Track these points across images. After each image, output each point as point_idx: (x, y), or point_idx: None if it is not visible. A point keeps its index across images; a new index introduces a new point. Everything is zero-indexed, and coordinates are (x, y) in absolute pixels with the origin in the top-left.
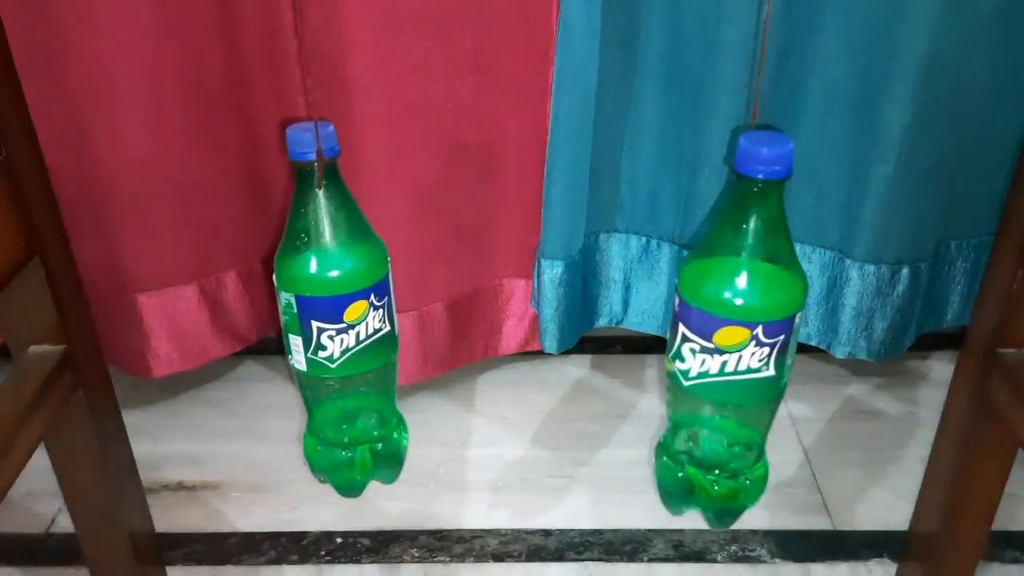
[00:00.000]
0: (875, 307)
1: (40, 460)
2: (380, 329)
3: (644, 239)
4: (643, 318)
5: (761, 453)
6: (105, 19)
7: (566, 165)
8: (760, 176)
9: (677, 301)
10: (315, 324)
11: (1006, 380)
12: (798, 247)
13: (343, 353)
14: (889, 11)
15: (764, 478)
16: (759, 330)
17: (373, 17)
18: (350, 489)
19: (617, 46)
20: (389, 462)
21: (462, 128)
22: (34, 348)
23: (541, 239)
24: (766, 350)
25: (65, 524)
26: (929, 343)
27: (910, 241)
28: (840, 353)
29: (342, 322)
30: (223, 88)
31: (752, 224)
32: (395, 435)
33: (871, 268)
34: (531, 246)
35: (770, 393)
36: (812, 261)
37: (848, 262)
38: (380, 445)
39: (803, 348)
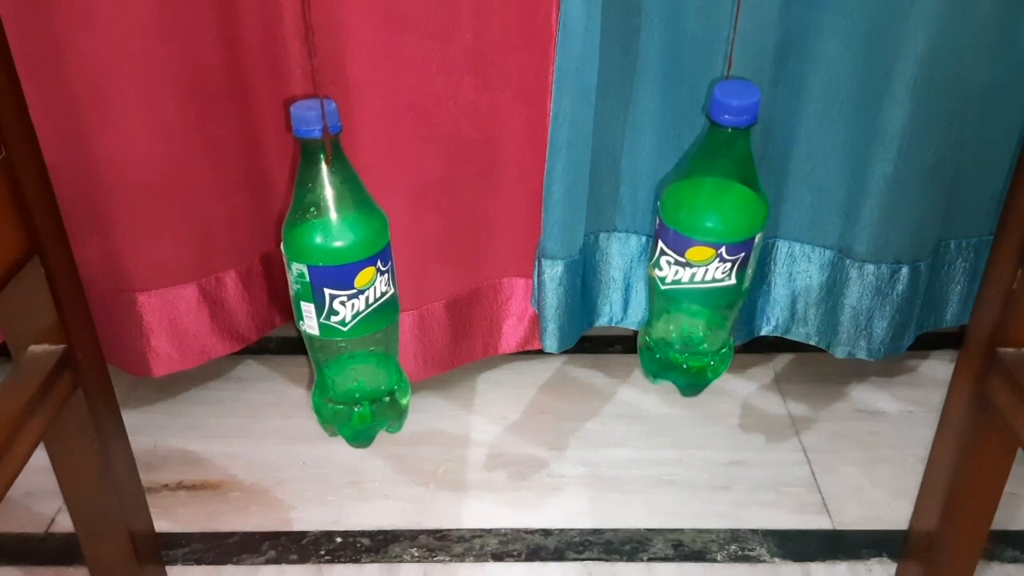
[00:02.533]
0: (875, 307)
1: (40, 460)
2: (386, 292)
3: (644, 238)
4: (643, 317)
5: (727, 338)
6: (105, 19)
7: (566, 164)
8: (729, 124)
9: (658, 220)
10: (327, 291)
11: (1006, 380)
12: (798, 247)
13: (354, 317)
14: (889, 11)
15: (727, 356)
16: (723, 249)
17: (373, 16)
18: (362, 439)
19: (617, 45)
20: (396, 412)
21: (462, 127)
22: (34, 348)
23: (541, 238)
24: (728, 265)
25: (65, 524)
26: (929, 343)
27: (910, 241)
28: (840, 353)
29: (352, 288)
30: (222, 87)
31: (723, 162)
32: (401, 386)
33: (871, 268)
34: (531, 245)
35: (732, 297)
36: (812, 260)
37: (848, 261)
38: (387, 398)
39: (803, 347)
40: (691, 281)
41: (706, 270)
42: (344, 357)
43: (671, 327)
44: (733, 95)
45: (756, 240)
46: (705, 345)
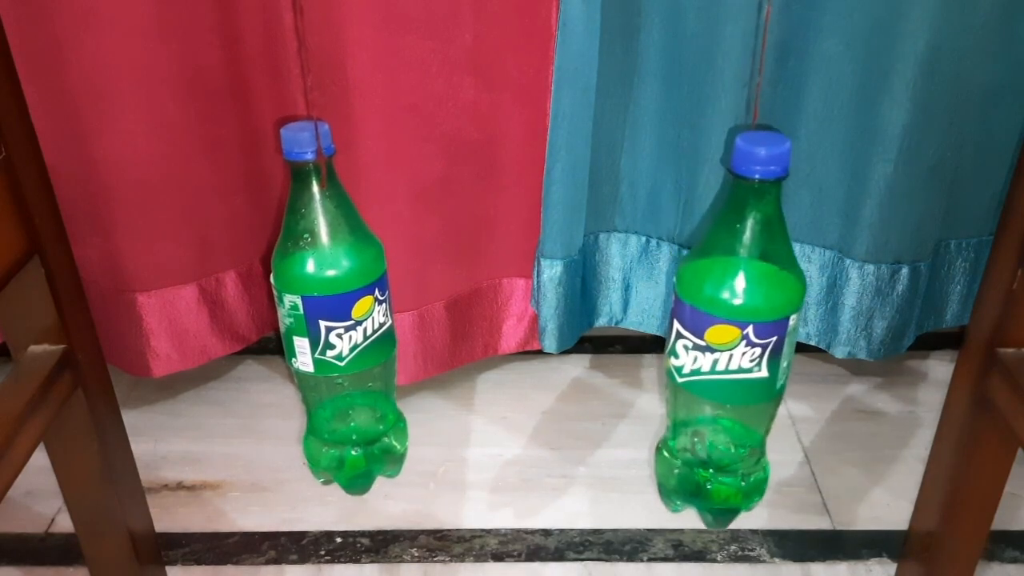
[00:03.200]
0: (875, 307)
1: (40, 460)
2: (384, 323)
3: (644, 239)
4: (643, 318)
5: (760, 455)
6: (104, 19)
7: (566, 164)
8: (756, 176)
9: (674, 298)
10: (323, 324)
11: (1006, 380)
12: (797, 247)
13: (352, 350)
14: (889, 11)
15: (763, 481)
16: (750, 330)
17: (373, 16)
18: (358, 487)
19: (617, 45)
20: (394, 456)
21: (462, 127)
22: (34, 348)
23: (541, 238)
24: (757, 350)
25: (65, 524)
26: (929, 343)
27: (910, 241)
28: (840, 353)
29: (350, 319)
30: (222, 87)
31: (748, 224)
32: (399, 428)
33: (871, 268)
34: (530, 246)
35: (763, 394)
36: (812, 261)
37: (848, 262)
38: (386, 439)
39: (803, 348)
40: (713, 371)
41: (730, 356)
42: (340, 397)
43: (693, 436)
44: (759, 143)
45: (791, 322)
46: (736, 461)
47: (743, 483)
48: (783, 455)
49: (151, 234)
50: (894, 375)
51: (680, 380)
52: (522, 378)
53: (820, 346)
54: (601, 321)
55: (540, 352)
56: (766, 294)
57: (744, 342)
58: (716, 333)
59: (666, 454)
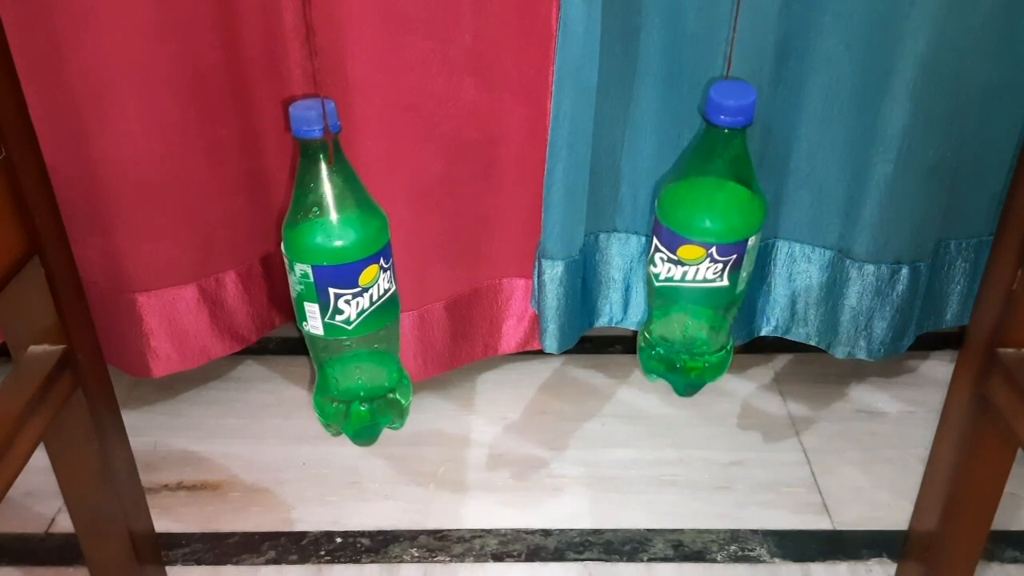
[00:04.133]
0: (875, 307)
1: (40, 460)
2: (388, 289)
3: (644, 239)
4: (643, 318)
5: (726, 340)
6: (104, 19)
7: (566, 164)
8: (725, 124)
9: (654, 217)
10: (332, 291)
11: (1006, 380)
12: (797, 247)
13: (359, 315)
14: (889, 11)
15: (726, 359)
16: (714, 249)
17: (373, 16)
18: (366, 437)
19: (617, 45)
20: (398, 410)
21: (462, 127)
22: (34, 348)
23: (541, 239)
24: (720, 265)
25: (65, 524)
26: (929, 343)
27: (910, 241)
28: (840, 353)
29: (357, 286)
30: (222, 87)
31: (716, 163)
32: (403, 384)
33: (871, 268)
34: (531, 246)
35: (725, 299)
36: (812, 261)
37: (848, 262)
38: (391, 394)
39: (803, 348)
40: (683, 279)
41: (697, 269)
42: (347, 356)
43: (667, 325)
44: (729, 95)
45: (750, 243)
46: (702, 345)
47: (705, 363)
48: (783, 455)
49: (151, 234)
50: (894, 375)
51: (657, 284)
52: (522, 378)
53: (820, 346)
54: (601, 321)
55: (540, 352)
56: (728, 220)
57: (709, 259)
58: (686, 251)
59: (646, 335)
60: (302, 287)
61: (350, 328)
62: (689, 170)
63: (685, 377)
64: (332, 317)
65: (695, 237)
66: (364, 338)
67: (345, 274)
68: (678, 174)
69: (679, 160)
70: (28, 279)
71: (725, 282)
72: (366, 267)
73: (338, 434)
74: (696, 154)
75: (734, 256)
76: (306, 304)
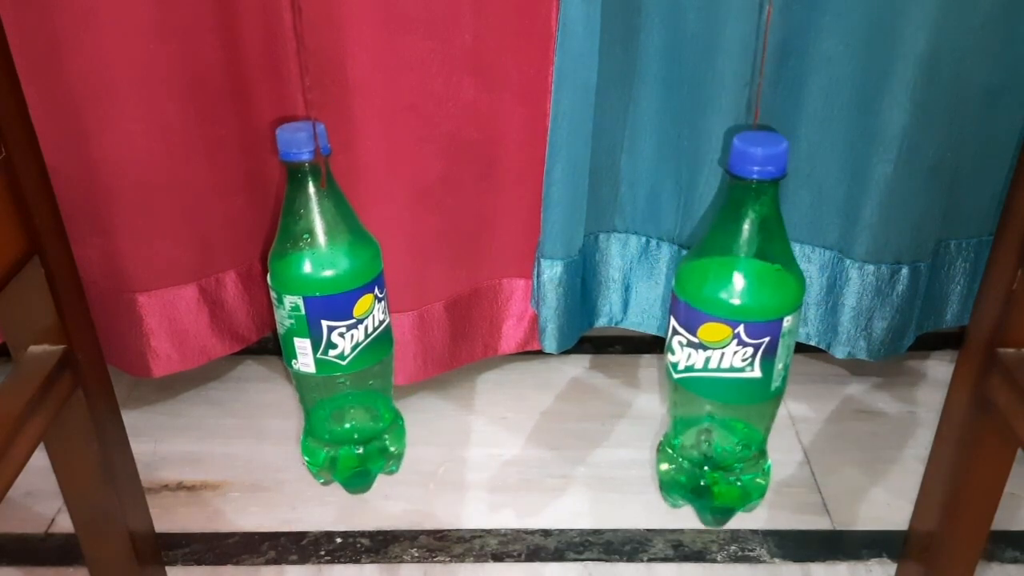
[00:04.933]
0: (875, 307)
1: (40, 460)
2: (383, 321)
3: (644, 239)
4: (642, 318)
5: (760, 456)
6: (104, 19)
7: (566, 165)
8: (753, 177)
9: (672, 295)
10: (325, 323)
11: (1006, 380)
12: (797, 247)
13: (353, 348)
14: (889, 11)
15: (762, 482)
16: (740, 329)
17: (373, 16)
18: (359, 485)
19: (617, 45)
20: (392, 454)
21: (462, 127)
22: (34, 348)
23: (540, 239)
24: (749, 350)
25: (65, 524)
26: (929, 343)
27: (910, 241)
28: (840, 353)
29: (352, 318)
30: (222, 88)
31: (744, 224)
32: (397, 426)
33: (871, 268)
34: (530, 246)
35: (757, 394)
36: (812, 261)
37: (848, 262)
38: (385, 438)
39: (802, 348)
40: (705, 368)
41: (722, 354)
42: (339, 396)
43: (691, 433)
44: (756, 143)
45: (786, 324)
46: (732, 460)
47: (737, 483)
48: (783, 455)
49: (151, 234)
50: (894, 375)
51: (676, 376)
52: (522, 378)
53: (820, 346)
54: (601, 321)
55: (540, 352)
56: (758, 294)
57: (735, 341)
58: (708, 331)
59: (668, 450)
60: (292, 321)
61: (344, 363)
62: (711, 239)
63: (712, 501)
64: (325, 352)
65: (718, 314)
66: (358, 374)
67: (339, 305)
68: (702, 246)
69: (699, 230)
70: (28, 279)
71: (756, 373)
72: (361, 297)
73: (329, 483)
74: (720, 218)
75: (767, 339)
76: (296, 340)
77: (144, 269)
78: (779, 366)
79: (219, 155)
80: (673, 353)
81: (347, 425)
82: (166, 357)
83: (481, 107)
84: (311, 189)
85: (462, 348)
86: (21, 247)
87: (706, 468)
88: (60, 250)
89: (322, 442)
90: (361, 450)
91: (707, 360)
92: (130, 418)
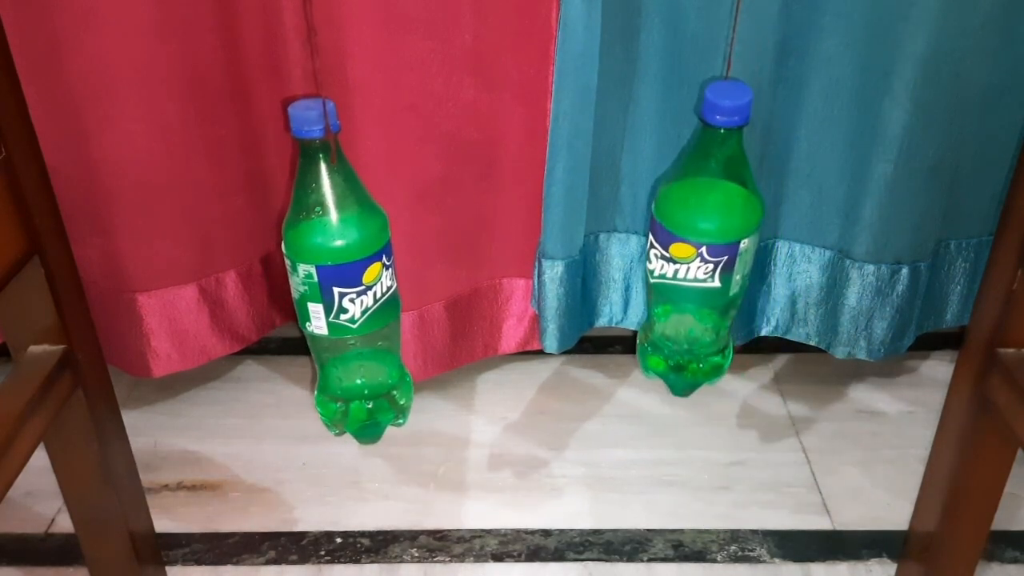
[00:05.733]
0: (875, 307)
1: (40, 460)
2: (391, 287)
3: (644, 239)
4: (643, 316)
5: (724, 342)
6: (105, 19)
7: (566, 165)
8: (721, 125)
9: (651, 214)
10: (336, 290)
11: (1006, 380)
12: (797, 247)
13: (363, 313)
14: (889, 11)
15: (723, 362)
16: (704, 249)
17: (373, 16)
18: (370, 436)
19: (617, 45)
20: (401, 406)
21: (462, 127)
22: (34, 348)
23: (541, 239)
24: (710, 266)
25: (65, 524)
26: (929, 343)
27: (910, 241)
28: (840, 353)
29: (362, 284)
30: (222, 87)
31: (711, 163)
32: (404, 381)
33: (871, 268)
34: (531, 246)
35: (718, 301)
36: (812, 261)
37: (848, 262)
38: (394, 392)
39: (803, 348)
40: (675, 278)
41: (688, 268)
42: (350, 355)
43: (665, 324)
44: (724, 95)
45: (742, 245)
46: (699, 346)
47: (699, 365)
48: (783, 455)
49: (151, 234)
50: (894, 375)
51: (652, 280)
52: (522, 378)
53: (820, 346)
54: (601, 321)
55: (540, 352)
56: (719, 221)
57: (699, 259)
58: (677, 249)
59: (645, 333)
60: (305, 288)
61: (354, 327)
62: (685, 170)
63: (681, 377)
64: (336, 316)
65: (686, 235)
66: (367, 336)
67: (350, 273)
68: (675, 173)
69: (677, 159)
70: (28, 279)
71: (717, 283)
72: (370, 265)
73: (342, 434)
74: (692, 154)
75: (725, 257)
76: (310, 305)
77: (144, 269)
78: (736, 278)
79: (219, 155)
80: (650, 262)
81: (357, 381)
82: (166, 357)
83: (481, 107)
84: (321, 164)
85: (462, 348)
86: (21, 247)
87: (676, 348)
88: (60, 250)
89: (334, 397)
90: (371, 404)
91: (676, 271)
92: (130, 418)
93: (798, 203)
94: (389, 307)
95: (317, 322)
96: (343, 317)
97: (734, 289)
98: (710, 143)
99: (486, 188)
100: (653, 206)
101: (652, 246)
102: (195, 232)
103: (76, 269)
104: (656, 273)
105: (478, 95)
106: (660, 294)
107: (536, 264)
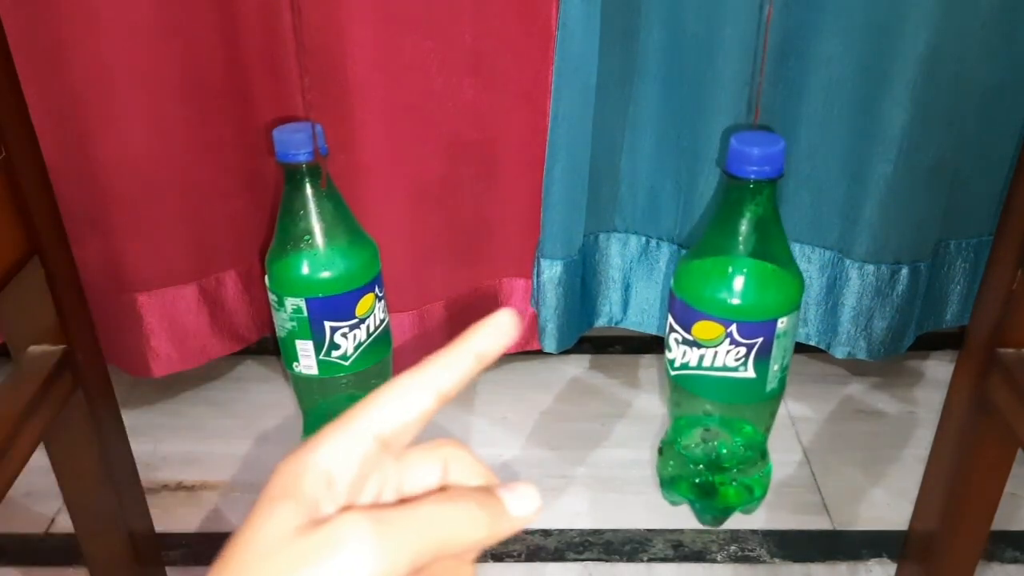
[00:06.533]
0: (874, 307)
1: (40, 460)
2: (383, 320)
3: (643, 239)
4: (642, 318)
5: (760, 458)
6: (105, 20)
7: (566, 165)
8: (750, 176)
9: (670, 293)
10: (328, 324)
11: (1005, 380)
12: (797, 247)
13: (356, 348)
14: (889, 11)
15: (761, 485)
16: (733, 328)
17: (373, 17)
18: None
19: (617, 45)
20: None
21: (462, 127)
22: (34, 348)
23: (540, 239)
24: (742, 349)
25: (65, 524)
26: (929, 343)
27: (910, 241)
28: (840, 353)
29: (354, 317)
30: (222, 88)
31: (740, 223)
32: None
33: (871, 268)
34: (530, 246)
35: (750, 394)
36: (812, 261)
37: (848, 262)
38: None
39: (802, 348)
40: (700, 366)
41: (715, 353)
42: (340, 398)
43: (689, 433)
44: (753, 143)
45: (780, 325)
46: (730, 461)
47: (739, 484)
48: (783, 455)
49: (151, 234)
50: (894, 375)
51: (672, 373)
52: (522, 378)
53: (820, 346)
54: (601, 321)
55: (540, 352)
56: (751, 294)
57: (728, 340)
58: (701, 328)
59: (669, 449)
60: (294, 324)
61: (347, 364)
62: (709, 237)
63: (710, 500)
64: (328, 353)
65: (711, 312)
66: (360, 375)
67: (342, 305)
68: (700, 245)
69: (698, 227)
70: (28, 279)
71: (750, 372)
72: (363, 296)
73: None
74: (717, 217)
75: (760, 339)
76: (298, 343)
77: (144, 269)
78: (775, 367)
79: (219, 155)
80: (670, 350)
81: None
82: (166, 357)
83: (481, 107)
84: (310, 190)
85: None
86: (21, 247)
87: (705, 468)
88: (60, 250)
89: None
90: None
91: (701, 358)
92: (130, 418)
93: (798, 203)
94: (381, 342)
95: (306, 361)
96: (335, 354)
97: (772, 383)
98: (738, 199)
99: (486, 188)
100: (672, 283)
101: (672, 330)
102: (195, 232)
103: (76, 269)
104: (677, 364)
105: (478, 95)
106: (683, 392)
107: (535, 264)
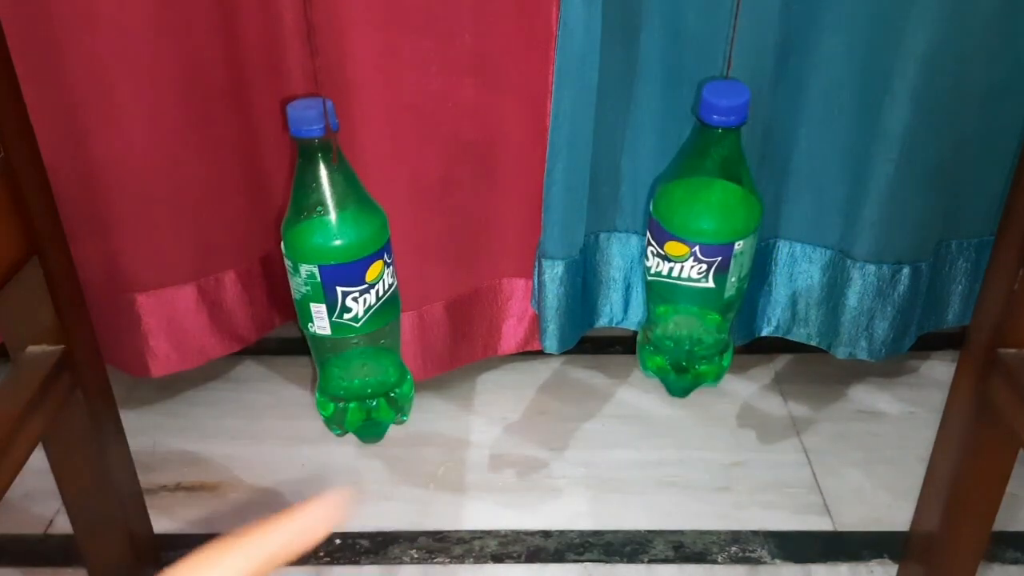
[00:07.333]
0: (876, 307)
1: (39, 460)
2: (392, 284)
3: (644, 239)
4: (643, 317)
5: (723, 344)
6: (104, 19)
7: (566, 164)
8: (718, 125)
9: (648, 210)
10: (340, 289)
11: (1006, 380)
12: (799, 247)
13: (366, 312)
14: (890, 11)
15: (721, 364)
16: (697, 249)
17: (373, 16)
18: (372, 435)
19: (617, 45)
20: (402, 405)
21: (462, 127)
22: (32, 348)
23: (541, 239)
24: (704, 266)
25: (64, 525)
26: (929, 343)
27: (911, 241)
28: (841, 353)
29: (364, 283)
30: (222, 88)
31: (708, 163)
32: (405, 379)
33: (872, 268)
34: (531, 246)
35: (713, 301)
36: (812, 261)
37: (849, 262)
38: (396, 391)
39: (804, 348)
40: (670, 276)
41: (682, 267)
42: (351, 354)
43: (663, 323)
44: (722, 95)
45: (737, 247)
46: (696, 347)
47: (698, 364)
48: (784, 456)
49: (150, 234)
50: (895, 375)
51: (648, 277)
52: (522, 378)
53: (821, 346)
54: (602, 321)
55: (540, 352)
56: (713, 221)
57: (692, 258)
58: (671, 247)
59: (645, 332)
60: (308, 288)
61: (358, 325)
62: (682, 169)
63: (681, 378)
64: (340, 316)
65: (680, 234)
66: (370, 335)
67: (353, 272)
68: (673, 172)
69: (675, 158)
70: (27, 279)
71: (711, 283)
72: (372, 263)
73: (344, 434)
74: (689, 153)
75: (719, 258)
76: (312, 305)
77: (143, 269)
78: (732, 279)
79: (219, 155)
80: (647, 259)
81: (359, 380)
82: (165, 357)
83: (481, 107)
84: (320, 164)
85: (462, 348)
86: (20, 248)
87: (676, 347)
88: (59, 251)
89: (335, 397)
90: (372, 403)
91: (671, 270)
92: (129, 418)
93: (799, 203)
94: (390, 305)
95: (320, 322)
96: (346, 316)
97: (729, 291)
98: (707, 143)
99: (486, 188)
100: (651, 204)
101: (649, 243)
102: (194, 232)
103: (75, 269)
104: (652, 271)
105: (478, 95)
106: (657, 292)
107: (536, 264)
